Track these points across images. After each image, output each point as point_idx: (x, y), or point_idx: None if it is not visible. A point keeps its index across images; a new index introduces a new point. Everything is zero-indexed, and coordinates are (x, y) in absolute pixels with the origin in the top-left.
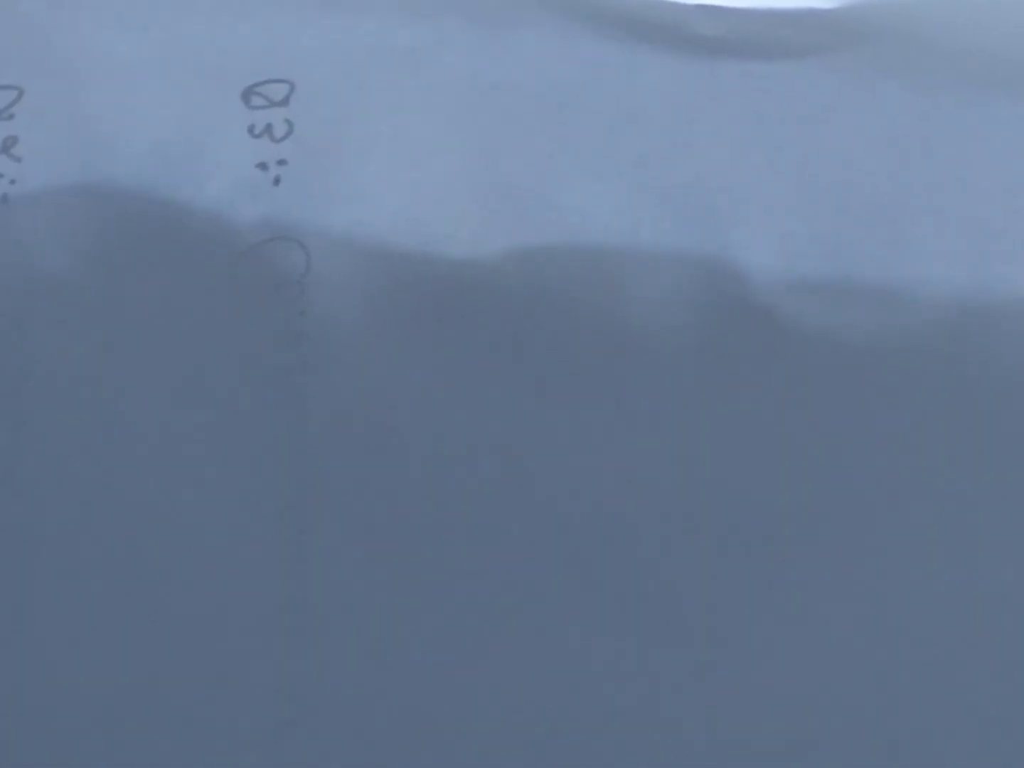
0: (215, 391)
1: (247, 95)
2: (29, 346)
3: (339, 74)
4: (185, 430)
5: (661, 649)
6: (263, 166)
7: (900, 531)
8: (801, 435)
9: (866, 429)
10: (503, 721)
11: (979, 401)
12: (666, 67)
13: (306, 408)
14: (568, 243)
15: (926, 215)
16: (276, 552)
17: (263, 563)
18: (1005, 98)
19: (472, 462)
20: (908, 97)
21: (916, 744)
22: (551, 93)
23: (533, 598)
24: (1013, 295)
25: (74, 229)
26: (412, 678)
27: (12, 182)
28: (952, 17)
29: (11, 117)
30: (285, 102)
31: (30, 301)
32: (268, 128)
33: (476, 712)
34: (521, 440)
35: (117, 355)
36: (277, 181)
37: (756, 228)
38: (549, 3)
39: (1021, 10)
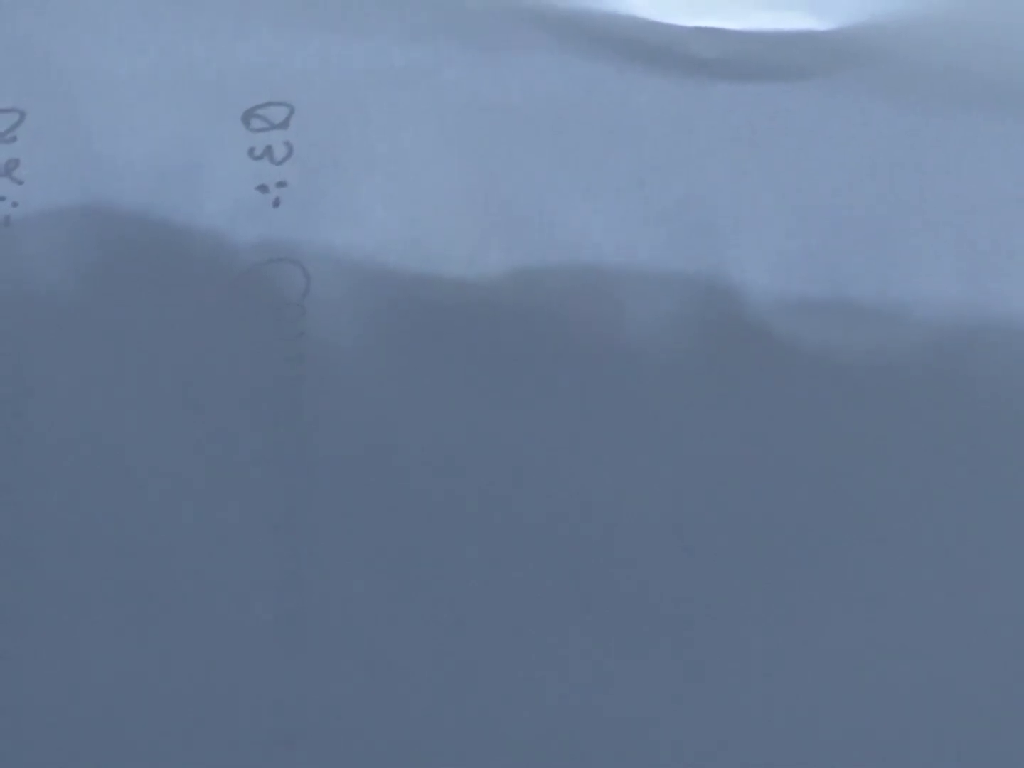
0: (215, 412)
1: (247, 117)
2: (30, 366)
3: (338, 96)
4: (185, 450)
5: (658, 664)
6: (263, 188)
7: (897, 548)
8: (798, 453)
9: (862, 447)
10: (502, 736)
11: (975, 419)
12: (662, 88)
13: (306, 428)
14: (565, 262)
15: (920, 234)
16: (274, 570)
17: (261, 581)
18: (996, 117)
19: (471, 481)
20: (901, 117)
21: (913, 760)
22: (548, 113)
23: (533, 615)
24: (1008, 312)
25: (76, 250)
26: (410, 694)
27: (14, 204)
28: (944, 39)
29: (13, 140)
30: (285, 124)
31: (32, 322)
32: (268, 150)
33: (474, 726)
34: (519, 458)
35: (118, 375)
36: (277, 203)
37: (752, 247)
38: (546, 24)
39: (1010, 31)
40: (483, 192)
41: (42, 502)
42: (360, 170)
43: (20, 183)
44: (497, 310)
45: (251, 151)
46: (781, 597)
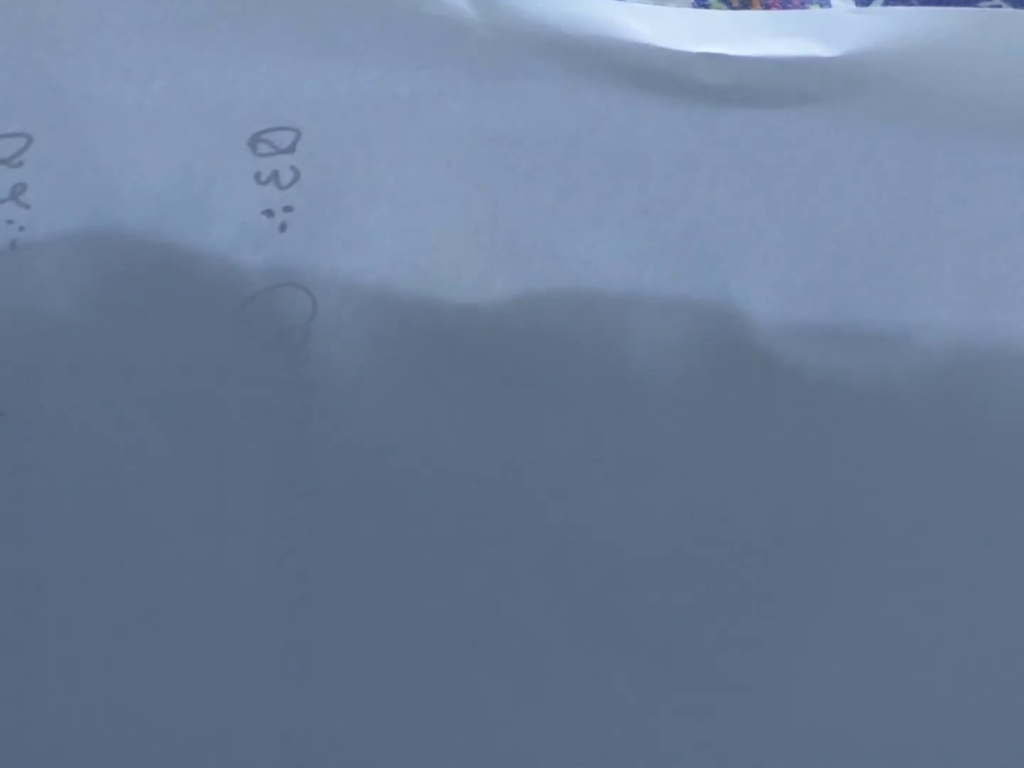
0: (221, 436)
1: (253, 142)
2: (37, 391)
3: (344, 122)
4: (190, 474)
5: (660, 690)
6: (269, 213)
7: (900, 572)
8: (803, 478)
9: (866, 473)
10: (504, 759)
11: (980, 444)
12: (668, 115)
13: (312, 452)
14: (570, 289)
15: (924, 261)
16: (281, 595)
17: (268, 606)
18: (1002, 144)
19: (477, 504)
20: (907, 144)
21: None
22: (553, 141)
23: (537, 637)
24: (1010, 340)
25: (82, 275)
26: (413, 722)
27: (21, 228)
28: (949, 67)
29: (20, 164)
30: (291, 149)
31: (39, 346)
32: (274, 175)
33: (478, 757)
34: (525, 482)
35: (123, 400)
36: (283, 228)
37: (756, 274)
38: (551, 52)
39: (1015, 59)
40: (488, 218)
41: (47, 525)
42: (366, 195)
43: (27, 207)
44: (502, 336)
45: (257, 176)
46: (785, 620)
